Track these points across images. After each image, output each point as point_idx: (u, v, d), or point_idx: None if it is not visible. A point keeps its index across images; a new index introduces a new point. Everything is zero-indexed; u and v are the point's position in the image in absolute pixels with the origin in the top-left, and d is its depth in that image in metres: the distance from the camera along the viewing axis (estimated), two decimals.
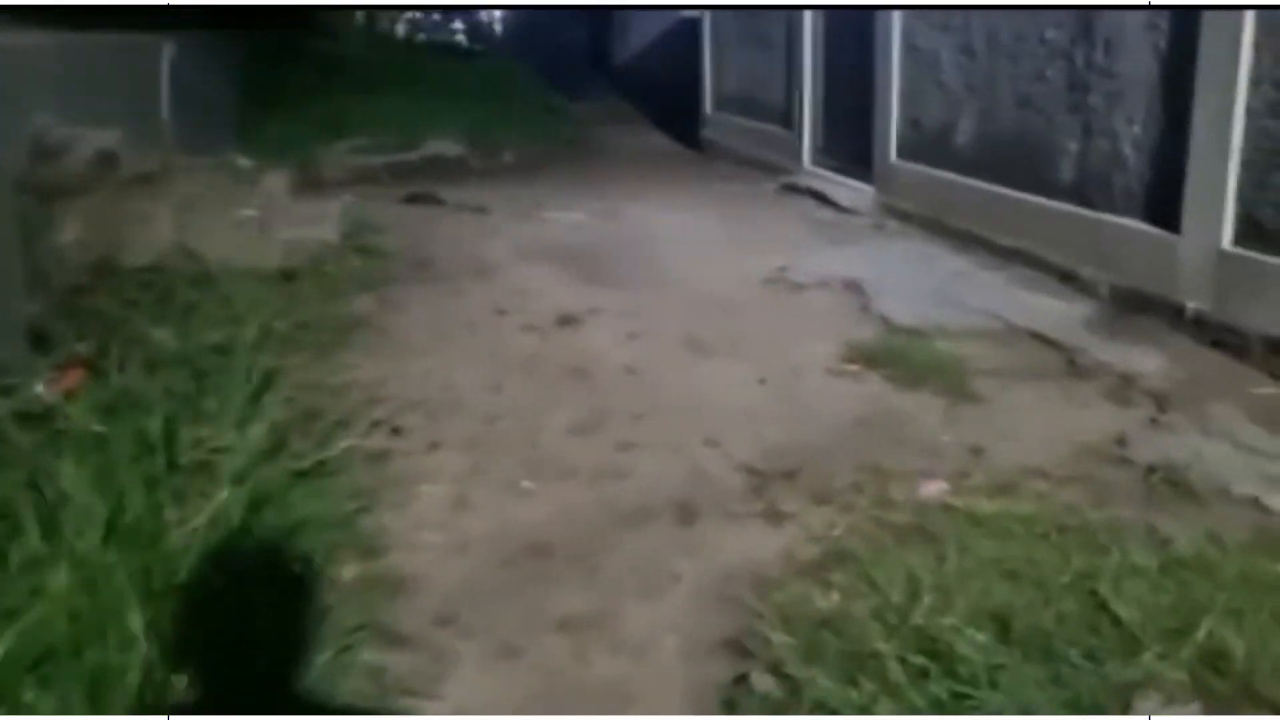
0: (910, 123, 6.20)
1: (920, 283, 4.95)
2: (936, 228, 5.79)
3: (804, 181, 7.58)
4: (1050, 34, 4.88)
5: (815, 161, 7.82)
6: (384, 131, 10.94)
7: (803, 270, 5.29)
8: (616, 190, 8.21)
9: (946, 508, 2.88)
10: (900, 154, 6.31)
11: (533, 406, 3.74)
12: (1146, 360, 3.88)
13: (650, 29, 17.92)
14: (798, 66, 7.88)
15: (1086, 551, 2.57)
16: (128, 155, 5.08)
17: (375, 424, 3.50)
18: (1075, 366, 3.91)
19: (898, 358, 4.04)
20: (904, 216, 6.17)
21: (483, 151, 10.58)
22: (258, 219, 5.10)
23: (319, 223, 5.69)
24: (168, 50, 6.79)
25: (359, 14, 23.78)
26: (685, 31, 15.88)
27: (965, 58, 5.54)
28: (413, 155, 9.83)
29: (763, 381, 3.90)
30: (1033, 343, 4.18)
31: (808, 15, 7.61)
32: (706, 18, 10.18)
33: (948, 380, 3.81)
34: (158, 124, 6.47)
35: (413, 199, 7.45)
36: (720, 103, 10.05)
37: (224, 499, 2.69)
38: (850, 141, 7.21)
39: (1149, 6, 4.42)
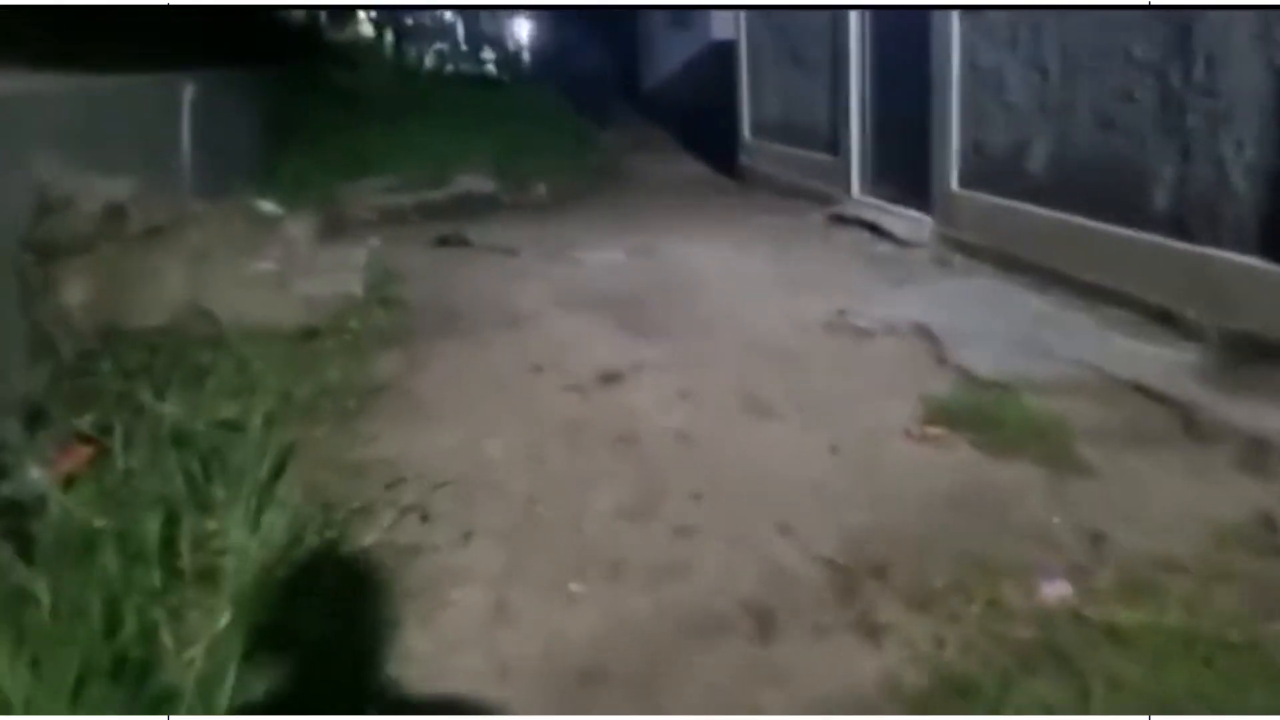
0: (973, 148, 5.75)
1: (999, 327, 4.49)
2: (1009, 263, 5.32)
3: (854, 212, 7.14)
4: (1138, 49, 4.43)
5: (865, 190, 7.38)
6: (411, 167, 10.70)
7: (866, 314, 4.85)
8: (653, 224, 7.83)
9: (1075, 616, 2.42)
10: (963, 182, 5.85)
11: (576, 483, 3.33)
12: (1278, 419, 3.39)
13: (678, 52, 17.66)
14: (843, 88, 7.46)
15: (1266, 682, 2.10)
16: (142, 204, 4.77)
17: (402, 511, 3.11)
18: (1194, 427, 3.42)
19: (986, 418, 3.58)
20: (970, 250, 5.71)
21: (514, 185, 10.30)
22: (276, 272, 4.76)
23: (342, 273, 5.34)
24: (188, 91, 6.53)
25: (387, 45, 23.86)
26: (716, 54, 15.58)
27: (1036, 76, 5.09)
28: (441, 194, 9.53)
29: (835, 450, 3.46)
30: (1139, 398, 3.70)
31: (852, 33, 7.20)
32: (742, 38, 9.81)
33: (1048, 446, 3.35)
34: (177, 168, 6.20)
35: (442, 241, 7.11)
36: (758, 128, 9.66)
37: (225, 624, 2.31)
38: (904, 168, 6.77)
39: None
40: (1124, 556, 2.68)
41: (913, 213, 6.50)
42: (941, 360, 4.19)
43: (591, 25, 26.98)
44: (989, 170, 5.60)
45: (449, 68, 25.74)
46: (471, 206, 9.30)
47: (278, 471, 3.11)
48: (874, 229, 6.71)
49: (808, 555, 2.81)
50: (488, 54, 31.53)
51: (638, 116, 17.84)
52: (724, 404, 3.94)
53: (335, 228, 8.53)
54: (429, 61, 26.06)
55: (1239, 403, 3.51)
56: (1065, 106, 4.89)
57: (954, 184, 5.91)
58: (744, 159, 9.96)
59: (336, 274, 5.29)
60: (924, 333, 4.50)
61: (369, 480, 3.30)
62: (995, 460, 3.32)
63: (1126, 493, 3.05)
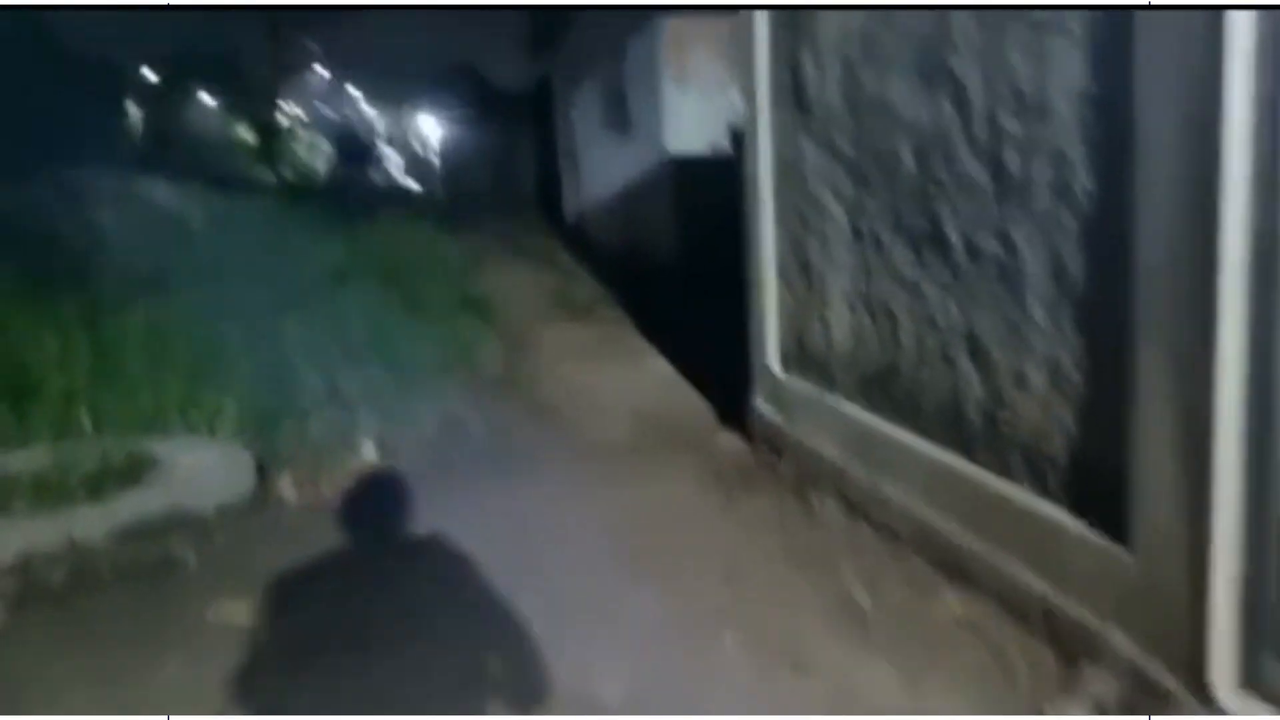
0: None
1: None
2: None
3: None
4: None
5: None
6: (104, 417, 5.16)
7: None
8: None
9: None
10: None
11: None
12: None
13: (614, 166, 12.50)
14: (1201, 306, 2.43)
15: None
16: None
17: None
18: None
19: None
20: None
21: (308, 453, 5.02)
22: None
23: None
24: None
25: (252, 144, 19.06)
26: (673, 177, 10.45)
27: None
28: (105, 524, 4.03)
29: None
30: None
31: (1231, 108, 2.17)
32: (762, 152, 4.79)
33: None
34: None
35: None
36: (804, 361, 4.60)
37: None
38: None
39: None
40: None
41: None
42: None
43: (506, 123, 22.60)
44: None
45: (333, 172, 21.09)
46: (179, 551, 3.90)
47: None
48: None
49: None
50: (393, 160, 27.20)
51: (559, 251, 12.93)
52: None
53: None
54: (321, 168, 21.45)
55: None
56: None
57: None
58: (765, 409, 4.87)
59: None
60: None
61: None
62: None
63: None
